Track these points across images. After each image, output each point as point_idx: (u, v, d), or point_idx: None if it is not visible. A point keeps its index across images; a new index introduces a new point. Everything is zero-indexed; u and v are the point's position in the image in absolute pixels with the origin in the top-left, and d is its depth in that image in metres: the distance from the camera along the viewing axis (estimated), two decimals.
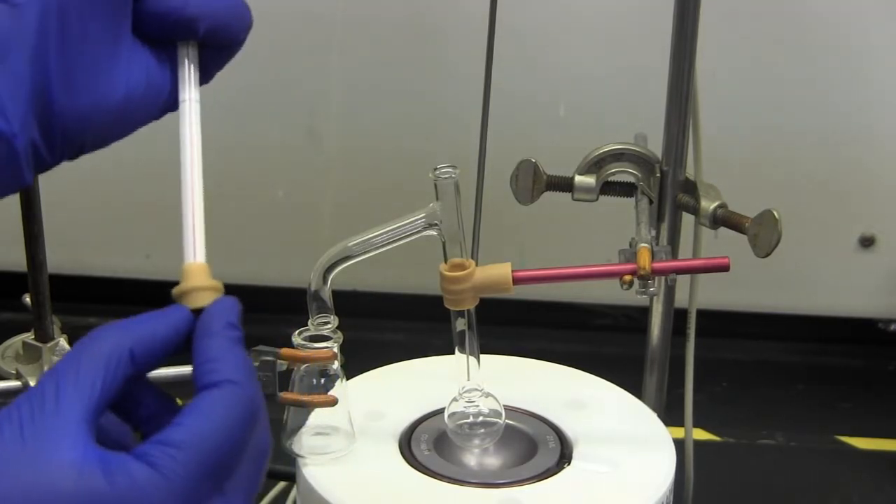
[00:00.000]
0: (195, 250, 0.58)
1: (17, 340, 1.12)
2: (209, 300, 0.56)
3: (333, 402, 0.81)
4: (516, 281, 0.82)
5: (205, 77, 0.62)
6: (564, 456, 0.85)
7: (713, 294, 1.56)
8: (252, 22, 0.61)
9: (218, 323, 0.54)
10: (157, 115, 0.60)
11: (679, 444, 0.88)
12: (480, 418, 0.84)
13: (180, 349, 0.54)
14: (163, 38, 0.59)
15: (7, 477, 0.46)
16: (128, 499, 0.47)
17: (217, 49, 0.61)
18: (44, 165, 0.57)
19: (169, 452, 0.48)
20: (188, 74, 0.60)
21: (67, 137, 0.56)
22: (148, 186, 2.03)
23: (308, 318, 0.82)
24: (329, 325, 0.82)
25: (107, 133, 0.59)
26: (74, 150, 0.58)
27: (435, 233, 0.82)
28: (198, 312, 0.55)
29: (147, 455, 0.48)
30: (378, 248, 0.83)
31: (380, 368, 0.96)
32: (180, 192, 0.58)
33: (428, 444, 0.85)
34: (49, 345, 1.09)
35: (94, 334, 0.52)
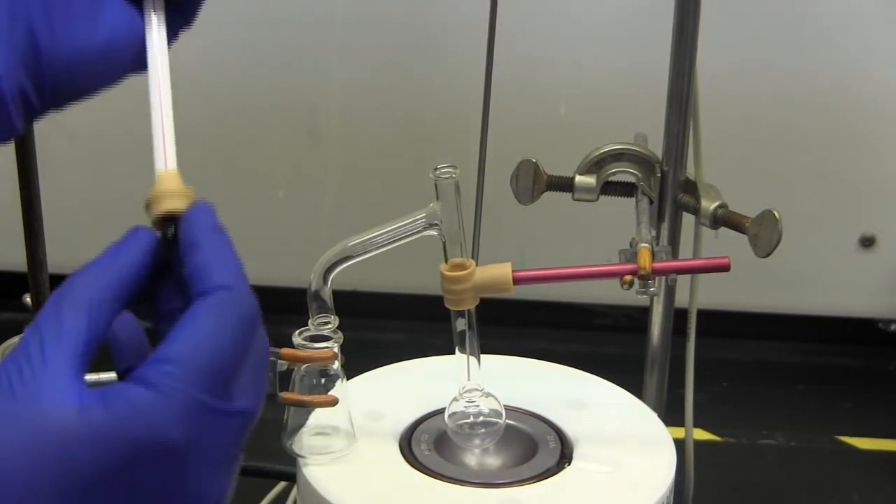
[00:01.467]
0: (166, 157, 0.57)
1: (17, 340, 1.12)
2: (184, 205, 0.54)
3: (334, 402, 0.81)
4: (516, 281, 0.82)
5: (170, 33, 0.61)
6: (565, 456, 0.85)
7: (713, 294, 1.56)
8: None
9: (199, 228, 0.53)
10: (138, 62, 0.60)
11: (679, 444, 0.88)
12: (481, 418, 0.84)
13: (159, 268, 0.53)
14: None
15: (6, 432, 0.45)
16: (130, 424, 0.46)
17: (175, 12, 0.61)
18: (33, 112, 0.57)
19: (164, 370, 0.47)
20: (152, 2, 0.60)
21: (55, 82, 0.56)
22: (148, 187, 2.02)
23: (308, 318, 0.82)
24: (329, 325, 0.82)
25: (93, 78, 0.58)
26: (63, 96, 0.58)
27: (435, 233, 0.82)
28: (172, 220, 0.54)
29: (143, 377, 0.47)
30: (378, 248, 0.83)
31: (380, 368, 0.96)
32: (149, 102, 0.58)
33: (428, 444, 0.85)
34: None
35: (73, 280, 0.51)
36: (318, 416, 0.83)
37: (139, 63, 0.60)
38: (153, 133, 0.57)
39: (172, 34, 0.61)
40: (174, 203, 0.55)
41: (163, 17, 0.60)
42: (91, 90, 0.59)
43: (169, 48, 0.60)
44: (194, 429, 0.47)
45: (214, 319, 0.49)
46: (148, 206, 0.56)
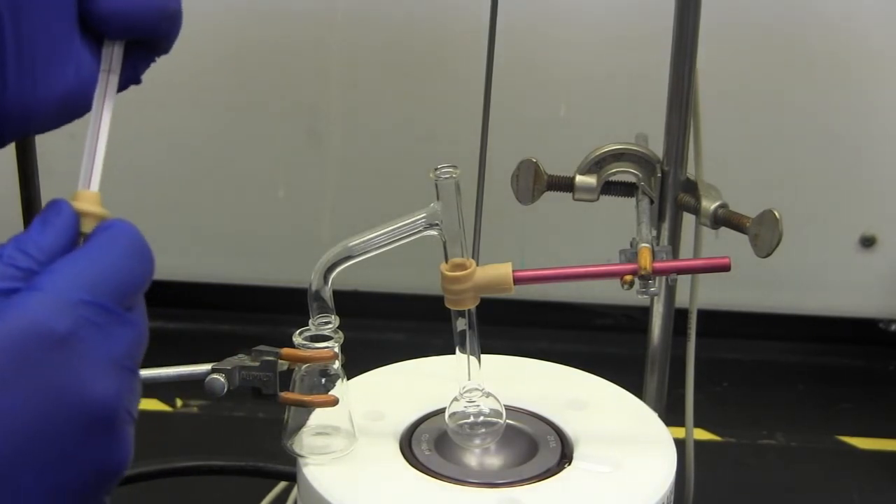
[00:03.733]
0: (91, 179, 0.60)
1: None
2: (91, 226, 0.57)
3: (334, 402, 0.81)
4: (517, 281, 0.82)
5: (134, 75, 0.63)
6: (565, 456, 0.85)
7: (714, 294, 1.56)
8: (180, 26, 0.62)
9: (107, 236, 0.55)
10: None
11: (680, 444, 0.88)
12: (481, 418, 0.84)
13: None
14: (105, 34, 0.60)
15: None
16: (19, 315, 0.49)
17: (147, 48, 0.62)
18: None
19: (53, 276, 0.51)
20: (112, 53, 0.61)
21: (8, 129, 0.58)
22: (148, 187, 2.03)
23: (309, 318, 0.82)
24: (330, 325, 0.82)
25: (48, 124, 0.60)
26: (15, 138, 0.59)
27: (435, 233, 0.82)
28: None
29: (34, 284, 0.51)
30: (379, 248, 0.83)
31: (380, 368, 0.96)
32: (89, 126, 0.60)
33: (428, 444, 0.85)
34: None
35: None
36: (318, 416, 0.83)
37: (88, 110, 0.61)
38: (86, 151, 0.59)
39: (147, 65, 0.62)
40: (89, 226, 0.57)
41: (116, 78, 0.61)
42: (48, 129, 0.61)
43: (142, 76, 0.61)
44: (81, 326, 0.50)
45: (105, 240, 0.54)
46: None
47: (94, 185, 0.60)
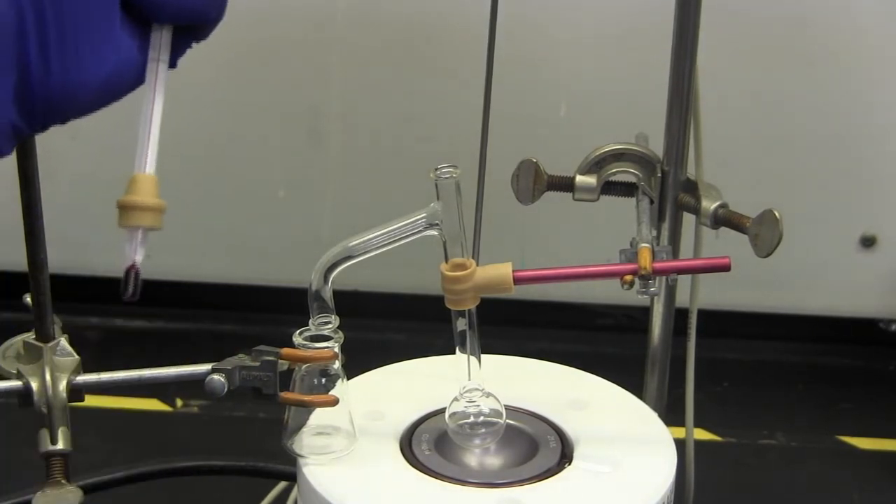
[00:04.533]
0: (147, 161, 0.62)
1: (17, 340, 1.12)
2: (154, 222, 0.60)
3: (334, 402, 0.81)
4: (517, 281, 0.82)
5: (172, 60, 0.64)
6: (565, 456, 0.85)
7: (714, 294, 1.56)
8: (224, 13, 0.63)
9: None
10: (136, 86, 0.62)
11: (680, 444, 0.88)
12: (481, 418, 0.84)
13: None
14: (154, 19, 0.61)
15: None
16: None
17: (188, 33, 0.63)
18: (21, 138, 0.59)
19: None
20: (161, 41, 0.62)
21: (49, 113, 0.58)
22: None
23: (309, 318, 0.82)
24: (330, 325, 0.82)
25: (88, 106, 0.60)
26: (56, 121, 0.60)
27: (436, 233, 0.82)
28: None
29: None
30: (379, 247, 0.83)
31: (380, 368, 0.96)
32: (142, 109, 0.63)
33: (429, 444, 0.85)
34: (50, 345, 1.08)
35: None
36: (318, 416, 0.83)
37: (137, 85, 0.61)
38: (139, 134, 0.61)
39: (184, 51, 0.63)
40: (144, 219, 0.61)
41: (166, 65, 0.63)
42: (85, 113, 0.60)
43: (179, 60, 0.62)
44: None
45: None
46: (121, 211, 0.60)
47: (150, 168, 0.62)
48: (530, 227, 1.98)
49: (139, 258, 0.63)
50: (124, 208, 0.63)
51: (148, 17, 0.61)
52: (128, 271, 0.63)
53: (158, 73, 0.62)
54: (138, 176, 0.61)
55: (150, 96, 0.62)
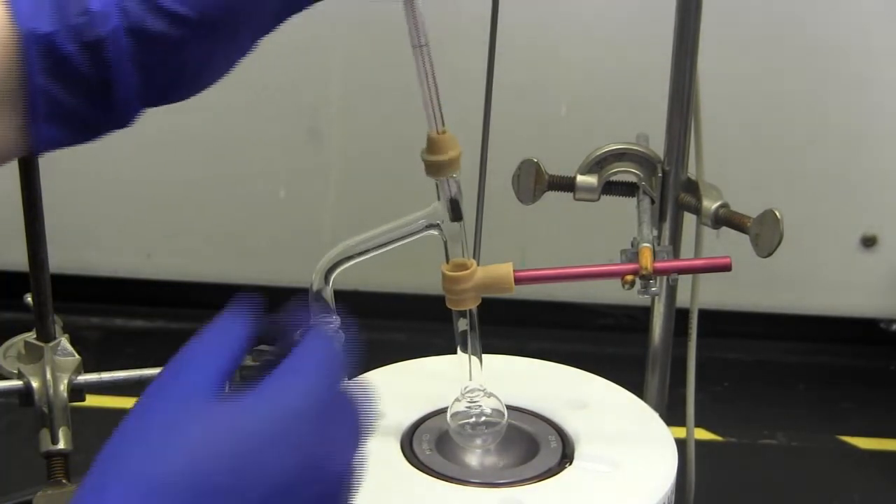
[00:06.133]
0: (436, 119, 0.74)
1: (18, 340, 1.12)
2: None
3: None
4: (518, 281, 0.82)
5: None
6: (566, 456, 0.85)
7: (715, 294, 1.55)
8: None
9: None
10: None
11: (681, 444, 0.88)
12: (483, 418, 0.84)
13: None
14: None
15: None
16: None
17: None
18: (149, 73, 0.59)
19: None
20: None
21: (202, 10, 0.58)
22: (149, 187, 2.03)
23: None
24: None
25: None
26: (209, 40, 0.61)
27: (436, 233, 0.81)
28: None
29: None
30: (379, 247, 0.82)
31: (381, 368, 0.96)
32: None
33: (430, 444, 0.85)
34: (51, 344, 1.08)
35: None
36: None
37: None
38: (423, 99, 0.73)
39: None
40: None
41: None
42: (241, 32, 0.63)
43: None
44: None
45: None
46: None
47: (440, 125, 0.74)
48: (531, 227, 1.98)
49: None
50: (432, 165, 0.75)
51: None
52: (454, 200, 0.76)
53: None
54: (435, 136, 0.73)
55: (422, 69, 0.77)
